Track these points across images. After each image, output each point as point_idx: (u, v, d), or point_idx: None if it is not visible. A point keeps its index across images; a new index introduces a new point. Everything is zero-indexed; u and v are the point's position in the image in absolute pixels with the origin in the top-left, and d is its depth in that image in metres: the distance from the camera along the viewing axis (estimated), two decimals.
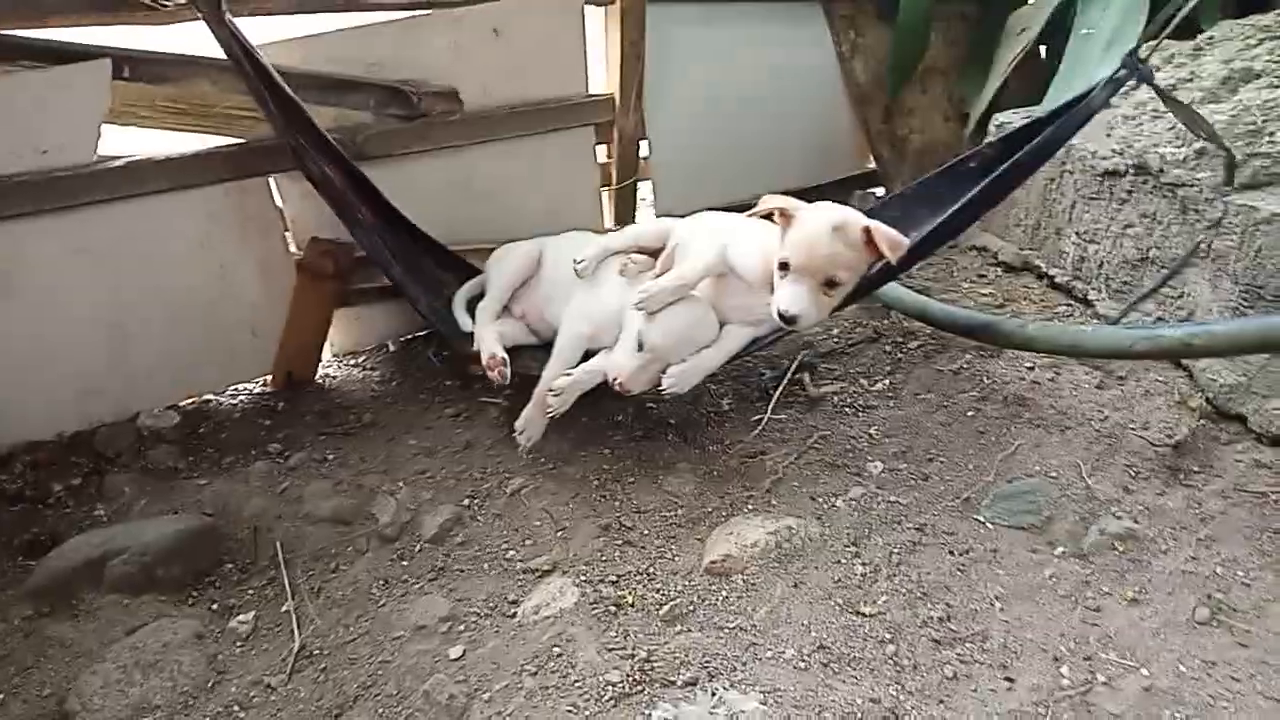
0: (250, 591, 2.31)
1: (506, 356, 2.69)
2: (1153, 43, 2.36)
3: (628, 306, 2.53)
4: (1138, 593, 2.08)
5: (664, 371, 2.44)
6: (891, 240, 2.18)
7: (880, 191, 4.32)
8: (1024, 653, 1.97)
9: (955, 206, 2.38)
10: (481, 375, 2.73)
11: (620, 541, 2.40)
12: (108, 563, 2.24)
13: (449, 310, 2.98)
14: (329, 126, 2.94)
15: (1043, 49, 4.06)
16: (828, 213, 2.24)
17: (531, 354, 2.81)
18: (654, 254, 2.72)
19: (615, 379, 2.44)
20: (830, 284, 2.22)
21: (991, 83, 3.87)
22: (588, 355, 2.65)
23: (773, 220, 2.35)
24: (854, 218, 2.22)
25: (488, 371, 2.68)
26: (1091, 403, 2.61)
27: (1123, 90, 2.89)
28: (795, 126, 4.08)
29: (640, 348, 2.44)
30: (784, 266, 2.23)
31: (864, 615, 2.09)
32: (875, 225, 2.18)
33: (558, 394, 2.52)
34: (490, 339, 2.75)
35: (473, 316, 2.92)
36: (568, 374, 2.56)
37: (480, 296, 2.97)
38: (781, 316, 2.22)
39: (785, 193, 4.02)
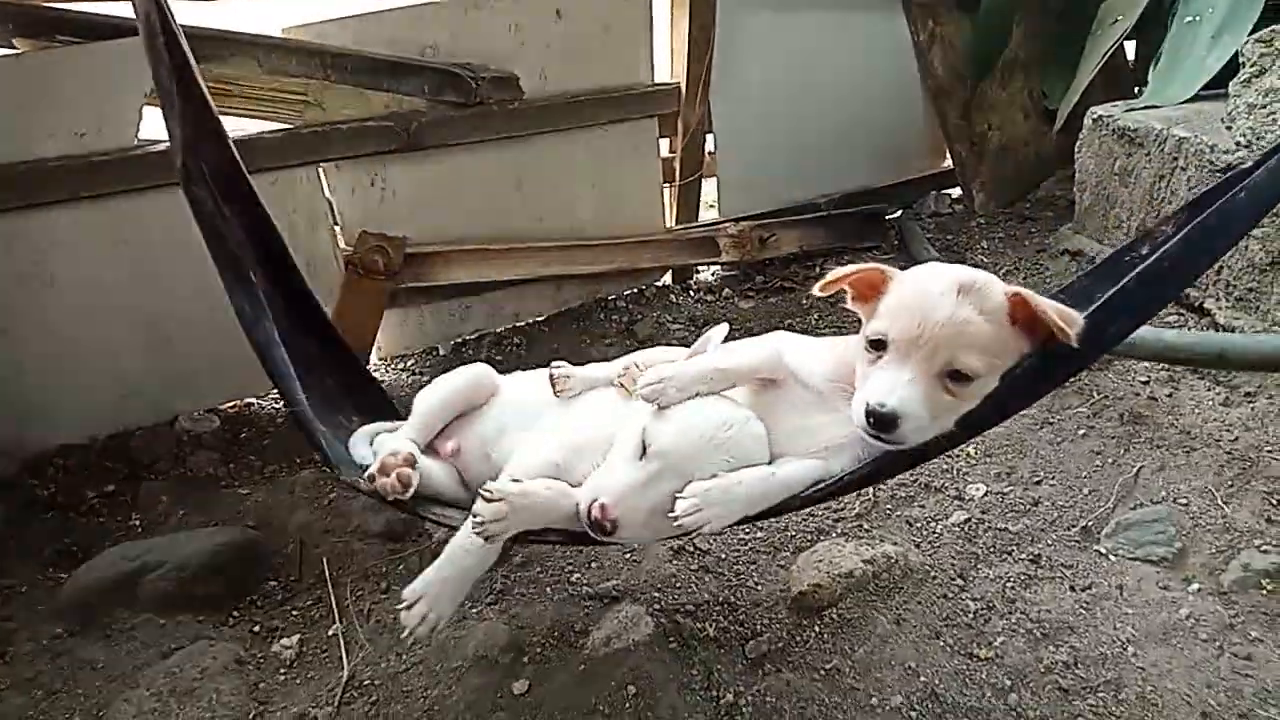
0: (295, 612, 2.14)
1: (416, 453, 1.74)
2: None
3: (626, 415, 1.68)
4: None
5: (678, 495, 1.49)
6: (1061, 312, 1.35)
7: (956, 192, 4.08)
8: (1166, 705, 1.76)
9: (1145, 263, 1.48)
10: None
11: (696, 566, 2.19)
12: (142, 578, 2.09)
13: (343, 444, 1.91)
14: (380, 113, 2.78)
15: (1127, 42, 3.80)
16: (948, 268, 1.48)
17: (455, 509, 1.78)
18: None
19: (594, 502, 1.51)
20: (955, 375, 1.38)
21: (1081, 77, 3.61)
22: None
23: (846, 300, 1.57)
24: (989, 277, 1.43)
25: (377, 477, 1.66)
26: (1218, 421, 2.35)
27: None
28: (868, 121, 3.85)
29: (643, 454, 1.54)
30: (877, 345, 1.44)
31: (979, 659, 1.87)
32: (1029, 293, 1.38)
33: (494, 500, 1.51)
34: (394, 441, 1.81)
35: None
36: (517, 480, 1.60)
37: None
38: (872, 416, 1.37)
39: (857, 194, 3.85)
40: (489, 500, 1.50)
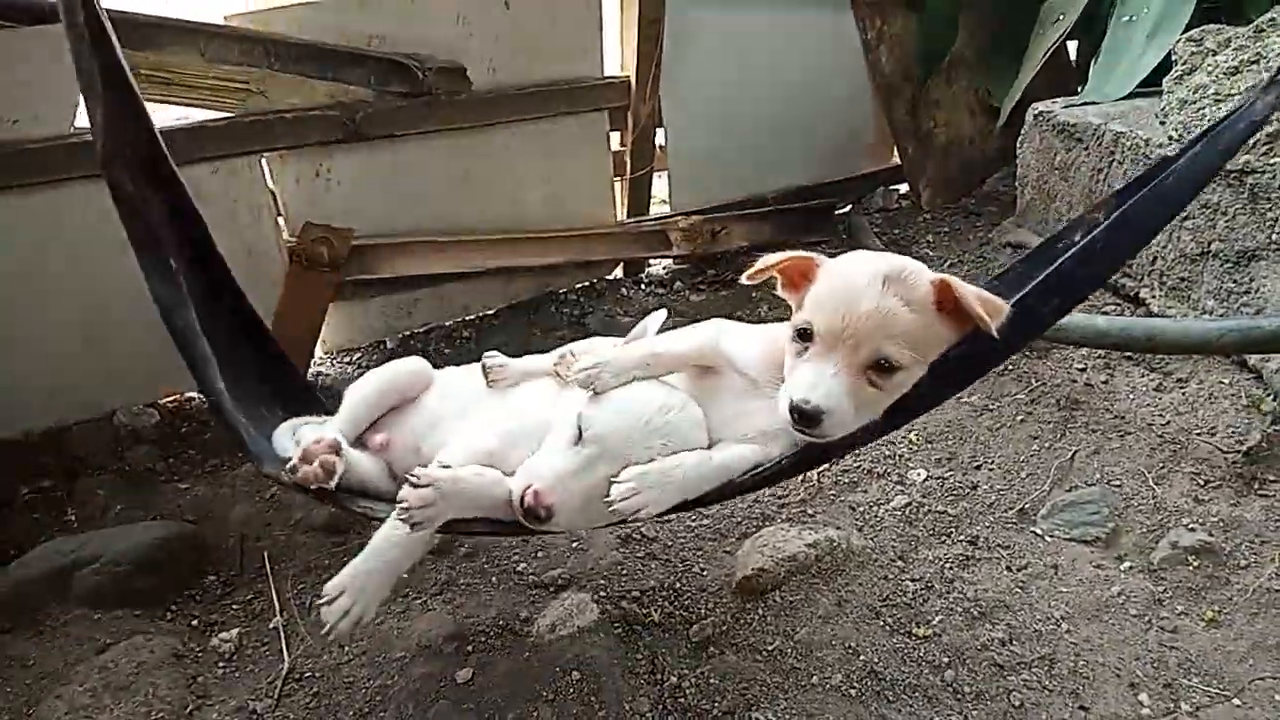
0: (235, 606, 2.11)
1: (340, 441, 1.63)
2: None
3: (561, 403, 1.66)
4: (1218, 613, 1.91)
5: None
6: (985, 300, 1.33)
7: (903, 188, 4.14)
8: (1096, 678, 1.81)
9: (1071, 253, 1.50)
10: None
11: (642, 554, 2.21)
12: (76, 573, 2.05)
13: (266, 437, 1.81)
14: (325, 102, 2.75)
15: (1069, 41, 3.89)
16: (874, 258, 1.43)
17: (383, 502, 1.66)
18: None
19: (528, 489, 1.45)
20: (879, 367, 1.35)
21: (1024, 74, 3.68)
22: None
23: (776, 286, 1.56)
24: (915, 266, 1.40)
25: (300, 466, 1.56)
26: (1151, 406, 2.42)
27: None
28: (818, 117, 3.88)
29: (579, 440, 1.51)
30: (804, 336, 1.41)
31: (917, 637, 1.91)
32: (955, 280, 1.35)
33: (422, 485, 1.43)
34: (319, 430, 1.72)
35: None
36: (446, 466, 1.53)
37: None
38: (796, 412, 1.34)
39: (806, 189, 3.90)
40: (416, 486, 1.42)
